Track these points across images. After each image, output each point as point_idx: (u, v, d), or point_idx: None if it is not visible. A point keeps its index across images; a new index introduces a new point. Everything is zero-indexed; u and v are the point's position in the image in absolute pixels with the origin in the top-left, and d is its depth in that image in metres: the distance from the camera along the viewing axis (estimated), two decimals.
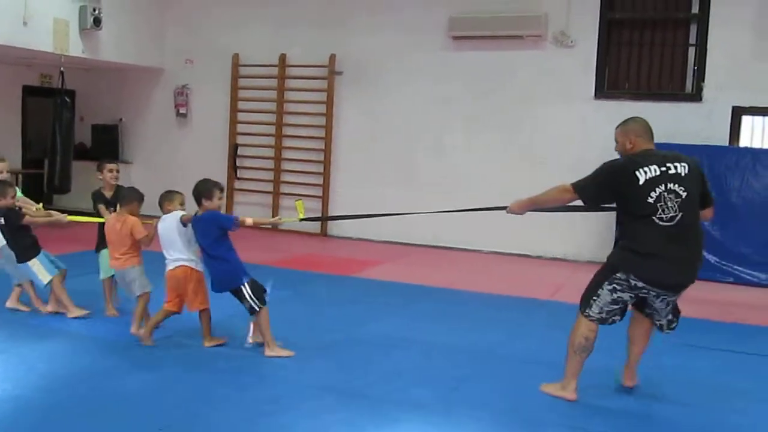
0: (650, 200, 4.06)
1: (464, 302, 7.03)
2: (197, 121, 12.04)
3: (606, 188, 4.26)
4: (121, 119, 12.63)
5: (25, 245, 5.68)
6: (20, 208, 5.71)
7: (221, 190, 5.10)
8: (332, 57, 10.83)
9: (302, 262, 8.82)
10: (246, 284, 4.94)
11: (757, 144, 9.21)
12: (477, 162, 10.05)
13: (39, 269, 5.66)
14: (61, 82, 10.31)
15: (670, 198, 4.06)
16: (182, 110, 12.07)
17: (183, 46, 11.90)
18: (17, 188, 6.17)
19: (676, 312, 4.47)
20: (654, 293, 4.22)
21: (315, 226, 10.98)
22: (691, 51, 9.34)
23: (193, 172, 11.76)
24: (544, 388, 4.50)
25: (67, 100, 10.42)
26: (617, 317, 4.34)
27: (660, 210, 4.05)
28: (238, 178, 11.66)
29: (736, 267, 8.65)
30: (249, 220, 5.21)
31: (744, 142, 9.22)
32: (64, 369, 4.63)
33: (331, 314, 6.34)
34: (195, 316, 5.25)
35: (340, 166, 11.02)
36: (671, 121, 9.10)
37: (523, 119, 9.84)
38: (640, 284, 4.15)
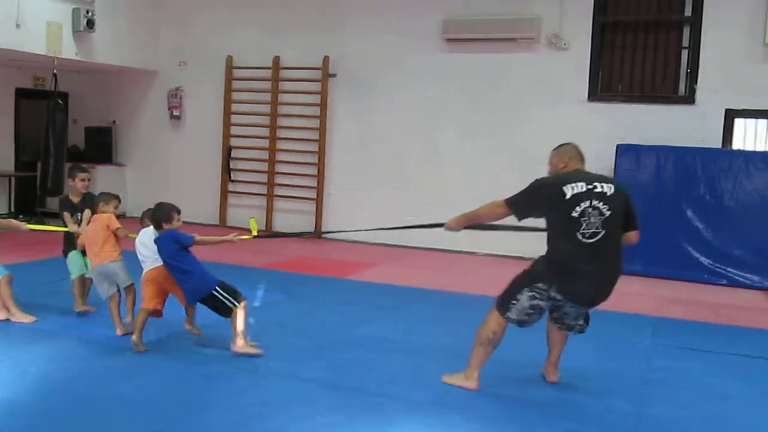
0: (575, 215, 4.21)
1: (459, 305, 7.02)
2: (191, 123, 12.03)
3: (536, 202, 4.41)
4: (114, 121, 12.61)
5: None
6: None
7: (178, 212, 5.21)
8: (326, 59, 10.83)
9: (295, 265, 8.81)
10: (217, 288, 5.06)
11: (750, 146, 9.23)
12: (470, 164, 10.05)
13: None
14: (54, 85, 10.28)
15: (593, 215, 4.22)
16: (176, 112, 12.05)
17: (177, 48, 11.89)
18: None
19: (586, 318, 4.68)
20: (570, 304, 4.44)
21: (309, 229, 10.96)
22: (684, 53, 9.37)
23: (187, 175, 11.90)
24: (446, 379, 4.63)
25: (60, 102, 10.38)
26: (534, 321, 4.51)
27: (583, 225, 4.22)
28: (232, 181, 11.65)
29: (729, 269, 8.67)
30: (199, 238, 5.23)
31: (737, 144, 9.24)
32: (58, 372, 4.62)
33: (325, 317, 6.34)
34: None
35: (333, 168, 11.02)
36: (665, 124, 9.15)
37: (516, 122, 9.85)
38: (558, 296, 4.34)
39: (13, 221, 6.08)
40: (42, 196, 10.55)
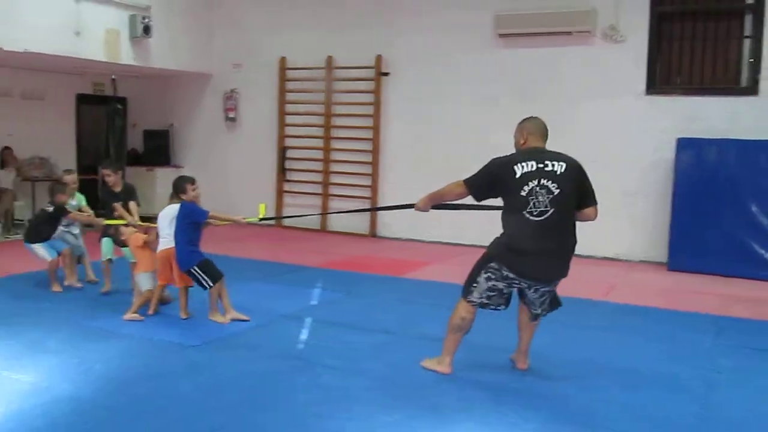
0: (523, 193, 4.30)
1: (515, 303, 6.93)
2: (246, 124, 12.17)
3: (489, 181, 4.47)
4: (171, 124, 12.85)
5: (38, 231, 6.84)
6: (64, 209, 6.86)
7: (192, 182, 5.91)
8: (379, 58, 10.84)
9: (351, 264, 8.84)
10: (196, 266, 5.74)
11: None
12: None
13: (39, 251, 6.78)
14: (114, 90, 10.52)
15: (541, 193, 4.29)
16: (231, 114, 12.22)
17: (231, 51, 12.05)
18: (82, 196, 7.39)
19: (554, 303, 4.73)
20: (525, 284, 4.50)
21: (365, 228, 11.01)
22: (746, 43, 9.09)
23: (243, 175, 12.05)
24: (423, 364, 4.79)
25: (120, 107, 10.64)
26: (501, 305, 4.61)
27: (531, 204, 4.29)
28: (287, 180, 11.75)
29: None
30: (211, 214, 5.95)
31: None
32: (120, 371, 4.71)
33: (383, 315, 6.33)
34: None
35: (387, 166, 11.02)
36: (726, 116, 8.89)
37: (571, 117, 9.67)
38: (511, 275, 4.43)
39: (96, 219, 7.05)
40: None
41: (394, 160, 10.97)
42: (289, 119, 11.72)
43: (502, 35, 10.01)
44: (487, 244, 4.61)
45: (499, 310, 4.64)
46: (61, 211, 6.83)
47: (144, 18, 10.37)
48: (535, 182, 4.30)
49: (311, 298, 6.91)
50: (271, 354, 5.11)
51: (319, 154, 11.49)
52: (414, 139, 10.80)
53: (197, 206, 5.89)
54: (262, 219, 6.54)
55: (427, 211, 4.96)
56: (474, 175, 4.54)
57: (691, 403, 4.39)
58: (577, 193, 4.41)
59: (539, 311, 4.69)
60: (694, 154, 8.76)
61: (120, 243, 6.68)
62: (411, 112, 10.80)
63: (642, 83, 9.41)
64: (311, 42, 11.37)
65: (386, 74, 10.87)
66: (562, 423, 4.02)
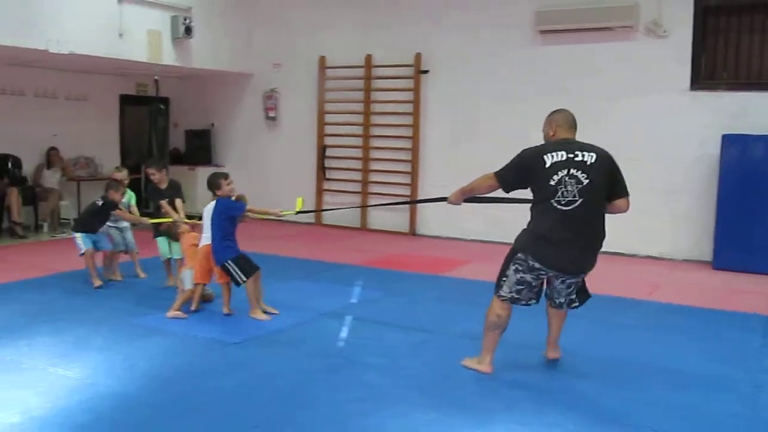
0: (552, 183, 4.31)
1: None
2: (286, 123, 12.25)
3: (519, 172, 4.50)
4: (212, 124, 12.98)
5: (86, 223, 7.07)
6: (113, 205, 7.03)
7: (226, 177, 6.02)
8: (418, 56, 10.82)
9: (391, 262, 8.85)
10: (230, 261, 5.83)
11: None
12: None
13: (79, 241, 6.97)
14: (156, 90, 10.67)
15: (570, 183, 4.30)
16: (271, 113, 12.31)
17: (270, 51, 12.13)
18: (132, 194, 7.58)
19: (583, 295, 4.75)
20: (552, 274, 4.50)
21: (404, 226, 11.00)
22: None
23: (283, 174, 12.12)
24: (464, 363, 4.79)
25: (162, 107, 10.78)
26: (532, 299, 4.62)
27: (559, 193, 4.30)
28: (327, 179, 11.79)
29: None
30: (249, 208, 6.11)
31: None
32: (164, 368, 4.77)
33: (422, 314, 6.33)
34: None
35: (427, 164, 10.99)
36: None
37: (613, 114, 9.54)
38: (537, 265, 4.44)
39: (142, 218, 7.36)
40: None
41: (434, 158, 10.94)
42: (328, 118, 11.77)
43: (542, 32, 9.91)
44: None
45: (530, 305, 4.65)
46: (110, 207, 6.99)
47: (185, 19, 10.50)
48: (565, 172, 4.31)
49: (351, 296, 6.93)
50: (312, 352, 5.14)
51: (358, 153, 11.51)
52: (453, 137, 10.76)
53: (233, 201, 5.97)
54: (299, 212, 6.62)
55: (460, 204, 4.99)
56: (504, 167, 4.57)
57: (737, 403, 4.31)
58: (607, 184, 4.41)
59: (562, 300, 4.71)
60: (740, 150, 8.57)
61: (174, 237, 6.80)
62: (450, 109, 10.76)
63: (686, 79, 9.22)
64: (350, 40, 11.40)
65: (425, 72, 10.84)
66: (603, 423, 3.97)
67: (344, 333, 5.63)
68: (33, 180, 10.79)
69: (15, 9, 8.45)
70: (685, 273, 8.59)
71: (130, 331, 5.53)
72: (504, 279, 4.58)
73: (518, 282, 4.53)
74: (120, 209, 7.08)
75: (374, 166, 11.43)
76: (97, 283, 6.95)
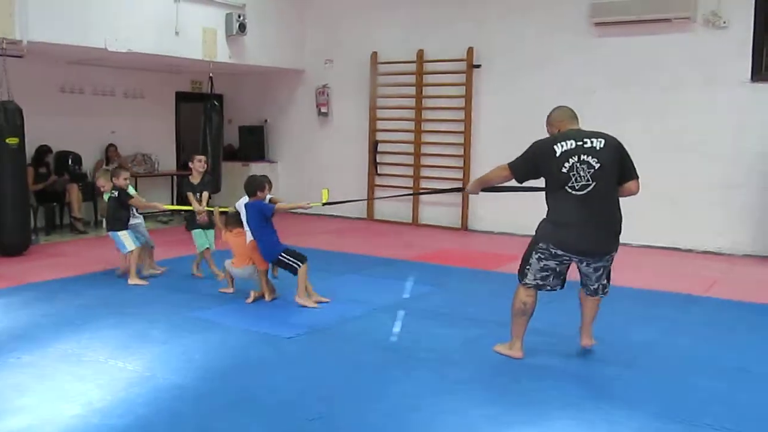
0: (564, 170, 4.47)
1: (614, 297, 6.76)
2: (338, 119, 12.31)
3: (531, 163, 4.66)
4: (266, 120, 13.11)
5: (117, 218, 7.09)
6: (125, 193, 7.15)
7: (270, 183, 6.29)
8: (470, 50, 10.76)
9: (441, 257, 8.82)
10: (283, 253, 6.12)
11: None
12: None
13: (126, 239, 7.05)
14: (210, 87, 10.82)
15: (582, 168, 4.45)
16: (323, 109, 12.38)
17: (322, 47, 12.20)
18: (134, 190, 7.68)
19: (608, 278, 4.84)
20: (576, 259, 4.63)
21: (456, 221, 10.96)
22: None
23: (335, 169, 12.17)
24: (495, 348, 4.96)
25: (216, 103, 10.91)
26: (558, 285, 4.76)
27: (572, 179, 4.46)
28: (379, 174, 11.81)
29: None
30: (278, 206, 6.28)
31: None
32: (219, 360, 4.84)
33: (474, 309, 6.30)
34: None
35: (480, 159, 10.89)
36: None
37: (671, 106, 9.35)
38: (559, 252, 4.58)
39: (155, 203, 8.03)
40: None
41: (486, 153, 10.83)
42: (380, 113, 11.78)
43: (597, 24, 9.75)
44: None
45: (555, 290, 4.79)
46: (123, 194, 7.10)
47: (239, 16, 10.62)
48: (575, 158, 4.47)
49: (403, 290, 6.93)
50: (366, 346, 5.16)
51: (410, 148, 11.49)
52: (505, 131, 10.63)
53: (263, 202, 6.19)
54: (325, 203, 6.73)
55: (477, 193, 5.26)
56: (517, 159, 4.74)
57: None
58: (618, 167, 4.55)
59: (596, 286, 4.78)
60: None
61: (205, 226, 7.20)
62: (503, 104, 10.66)
63: (747, 71, 8.97)
64: (402, 36, 11.38)
65: (478, 66, 10.77)
66: (665, 421, 3.89)
67: (397, 327, 5.63)
68: (92, 176, 11.05)
69: (75, 9, 8.66)
70: (746, 268, 8.38)
71: (186, 325, 5.63)
72: (528, 267, 4.74)
73: (542, 269, 4.68)
74: (132, 196, 7.21)
75: (426, 161, 11.40)
76: (142, 282, 7.02)
